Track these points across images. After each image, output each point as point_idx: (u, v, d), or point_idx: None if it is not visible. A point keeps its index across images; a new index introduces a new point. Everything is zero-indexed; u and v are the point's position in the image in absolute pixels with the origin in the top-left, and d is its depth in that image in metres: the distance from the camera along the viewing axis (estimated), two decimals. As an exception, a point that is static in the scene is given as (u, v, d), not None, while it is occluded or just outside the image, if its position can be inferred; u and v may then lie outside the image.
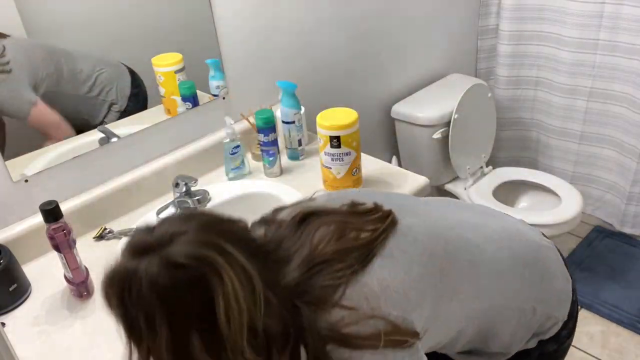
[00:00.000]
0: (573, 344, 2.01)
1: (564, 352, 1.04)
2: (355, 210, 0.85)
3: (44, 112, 1.24)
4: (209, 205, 1.36)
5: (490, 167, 2.28)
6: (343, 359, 0.73)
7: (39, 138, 1.26)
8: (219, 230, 0.72)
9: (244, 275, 0.68)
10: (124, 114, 1.37)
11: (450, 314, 0.85)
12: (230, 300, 0.67)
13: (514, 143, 2.55)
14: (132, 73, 1.37)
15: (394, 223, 0.83)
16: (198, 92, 1.49)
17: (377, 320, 0.73)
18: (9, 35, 1.15)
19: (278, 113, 1.53)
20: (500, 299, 0.91)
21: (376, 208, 0.85)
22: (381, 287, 0.75)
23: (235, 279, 0.67)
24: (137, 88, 1.38)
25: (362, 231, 0.80)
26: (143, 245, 0.70)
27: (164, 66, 1.39)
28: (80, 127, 1.31)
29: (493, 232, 0.95)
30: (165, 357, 0.67)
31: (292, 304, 0.73)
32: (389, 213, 0.84)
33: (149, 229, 0.72)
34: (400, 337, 0.74)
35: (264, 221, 0.86)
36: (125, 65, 1.36)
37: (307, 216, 0.82)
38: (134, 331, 0.69)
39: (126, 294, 0.67)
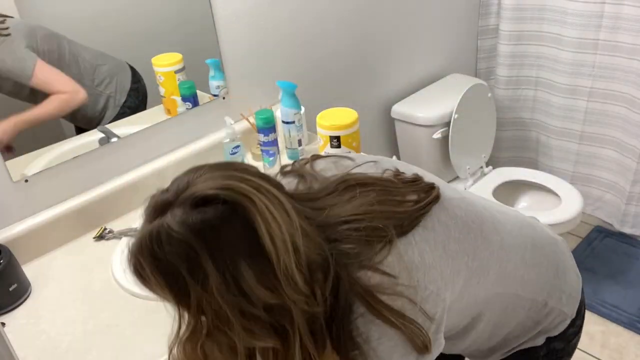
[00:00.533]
0: (573, 344, 2.01)
1: (571, 350, 1.03)
2: (399, 178, 0.81)
3: (47, 69, 1.22)
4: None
5: (490, 167, 2.28)
6: (365, 327, 0.70)
7: (40, 138, 1.26)
8: (236, 167, 0.69)
9: (275, 200, 0.65)
10: (123, 108, 1.36)
11: (472, 297, 0.83)
12: (268, 219, 0.63)
13: (514, 143, 2.55)
14: (133, 69, 1.37)
15: (438, 196, 0.79)
16: (198, 92, 1.49)
17: (412, 295, 0.71)
18: (12, 17, 1.16)
19: (278, 113, 1.53)
20: (519, 287, 0.90)
21: (419, 179, 0.82)
22: (422, 260, 0.73)
23: (267, 202, 0.64)
24: (136, 83, 1.38)
25: (405, 200, 0.77)
26: (161, 203, 0.66)
27: (164, 66, 1.39)
28: (78, 119, 1.30)
29: (516, 219, 0.95)
30: (220, 301, 0.63)
31: (329, 248, 0.70)
32: (433, 185, 0.81)
33: (161, 191, 0.68)
34: (421, 341, 0.72)
35: (296, 171, 0.83)
36: (126, 62, 1.36)
37: (347, 180, 0.78)
38: (179, 288, 0.64)
39: (158, 250, 0.63)
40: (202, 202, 0.63)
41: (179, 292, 0.64)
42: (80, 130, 1.31)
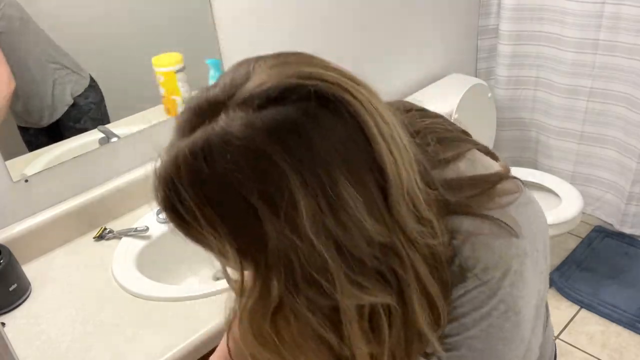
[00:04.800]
0: (573, 343, 2.02)
1: None
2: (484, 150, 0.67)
3: None
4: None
5: (490, 167, 2.27)
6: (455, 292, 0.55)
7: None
8: (306, 55, 0.50)
9: (378, 99, 0.50)
10: (52, 126, 1.29)
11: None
12: (378, 119, 0.46)
13: (514, 143, 2.55)
14: (95, 90, 1.33)
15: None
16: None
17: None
18: None
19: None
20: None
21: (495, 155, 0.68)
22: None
23: (371, 98, 0.48)
24: (85, 104, 1.32)
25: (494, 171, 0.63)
26: (207, 103, 0.45)
27: (164, 66, 1.39)
28: (20, 114, 1.24)
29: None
30: (315, 241, 0.43)
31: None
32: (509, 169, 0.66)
33: (204, 89, 0.47)
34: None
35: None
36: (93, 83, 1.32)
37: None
38: (244, 225, 0.44)
39: (208, 168, 0.42)
40: (275, 97, 0.43)
41: (243, 232, 0.44)
42: (22, 129, 1.25)
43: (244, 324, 0.49)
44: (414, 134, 0.57)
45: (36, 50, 1.24)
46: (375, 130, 0.45)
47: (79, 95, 1.31)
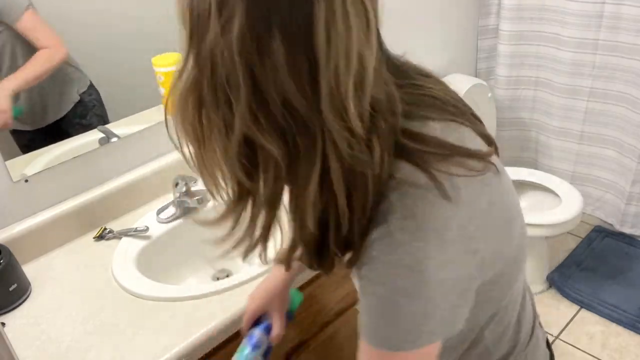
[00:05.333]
0: (573, 343, 2.01)
1: None
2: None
3: (37, 17, 1.17)
4: (210, 205, 1.36)
5: (490, 167, 2.27)
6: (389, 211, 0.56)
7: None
8: None
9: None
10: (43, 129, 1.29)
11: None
12: (337, 12, 0.49)
13: (514, 143, 2.55)
14: (94, 87, 1.33)
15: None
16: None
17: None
18: None
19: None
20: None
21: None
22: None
23: None
24: (89, 101, 1.33)
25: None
26: None
27: (164, 66, 1.39)
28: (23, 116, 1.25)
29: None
30: (236, 58, 0.50)
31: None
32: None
33: None
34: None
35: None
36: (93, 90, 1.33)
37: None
38: (198, 21, 0.54)
39: None
40: None
41: (196, 25, 0.55)
42: (18, 133, 1.24)
43: (173, 100, 0.58)
44: (400, 75, 0.62)
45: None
46: (323, 21, 0.48)
47: (84, 92, 1.32)
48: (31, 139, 1.26)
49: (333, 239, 0.59)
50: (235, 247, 0.59)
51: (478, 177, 0.60)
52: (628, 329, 2.00)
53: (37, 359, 1.00)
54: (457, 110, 0.66)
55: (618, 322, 2.03)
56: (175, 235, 1.31)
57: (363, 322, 0.62)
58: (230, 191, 0.57)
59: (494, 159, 0.64)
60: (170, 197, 1.38)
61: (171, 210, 1.33)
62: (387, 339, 0.60)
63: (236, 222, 0.58)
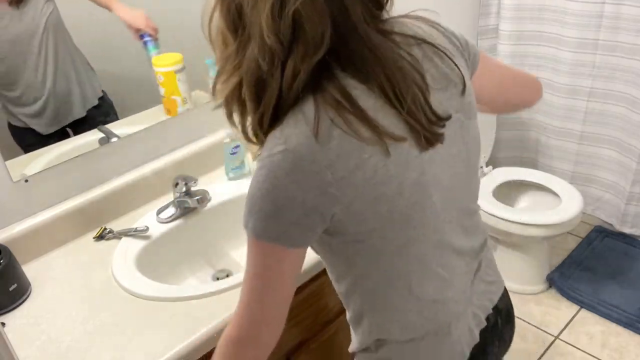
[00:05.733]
0: (573, 343, 2.01)
1: None
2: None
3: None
4: (209, 206, 1.36)
5: (490, 167, 2.28)
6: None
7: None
8: None
9: None
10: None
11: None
12: None
13: (514, 143, 2.55)
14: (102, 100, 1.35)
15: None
16: (197, 92, 1.49)
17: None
18: None
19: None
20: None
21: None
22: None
23: None
24: (107, 99, 1.35)
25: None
26: None
27: (164, 66, 1.39)
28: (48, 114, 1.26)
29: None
30: None
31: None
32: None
33: None
34: None
35: None
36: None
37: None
38: None
39: None
40: None
41: None
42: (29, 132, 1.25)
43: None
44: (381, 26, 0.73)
45: (72, 48, 1.27)
46: None
47: (102, 91, 1.34)
48: (42, 138, 1.26)
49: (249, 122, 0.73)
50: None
51: (358, 142, 0.69)
52: (628, 329, 2.00)
53: (37, 359, 1.00)
54: (410, 84, 0.72)
55: (618, 322, 2.02)
56: (175, 235, 1.31)
57: None
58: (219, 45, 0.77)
59: (398, 145, 0.71)
60: (170, 197, 1.38)
61: (171, 210, 1.33)
62: (251, 228, 0.72)
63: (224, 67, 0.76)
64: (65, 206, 1.28)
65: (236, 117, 0.74)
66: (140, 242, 1.26)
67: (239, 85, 0.71)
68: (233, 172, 1.47)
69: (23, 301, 1.14)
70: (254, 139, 0.74)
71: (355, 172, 0.69)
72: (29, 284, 1.17)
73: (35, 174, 1.25)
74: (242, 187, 1.41)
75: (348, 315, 0.89)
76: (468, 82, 0.81)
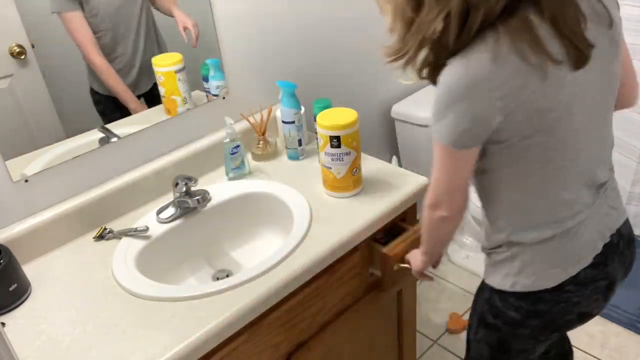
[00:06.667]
0: (573, 343, 2.01)
1: (506, 329, 1.09)
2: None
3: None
4: (209, 206, 1.36)
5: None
6: None
7: (39, 138, 1.26)
8: None
9: None
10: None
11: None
12: None
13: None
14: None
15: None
16: (197, 91, 1.49)
17: None
18: None
19: (278, 113, 1.53)
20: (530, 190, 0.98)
21: None
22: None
23: None
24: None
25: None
26: None
27: (164, 66, 1.39)
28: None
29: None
30: None
31: None
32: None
33: None
34: None
35: None
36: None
37: None
38: None
39: None
40: None
41: None
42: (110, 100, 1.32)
43: None
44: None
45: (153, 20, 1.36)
46: None
47: None
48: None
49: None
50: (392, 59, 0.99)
51: (525, 66, 0.83)
52: (628, 329, 2.00)
53: (37, 359, 1.00)
54: (578, 23, 0.88)
55: (618, 322, 2.02)
56: (175, 235, 1.31)
57: None
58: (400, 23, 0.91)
59: (555, 68, 0.86)
60: (170, 197, 1.38)
61: (171, 210, 1.33)
62: (435, 132, 0.97)
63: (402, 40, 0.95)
64: (65, 206, 1.28)
65: (421, 55, 0.92)
66: (140, 242, 1.26)
67: (447, 17, 0.83)
68: (233, 172, 1.47)
69: (23, 301, 1.14)
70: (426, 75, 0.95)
71: (521, 89, 0.84)
72: (29, 284, 1.17)
73: (35, 174, 1.25)
74: (242, 187, 1.41)
75: (483, 213, 1.08)
76: (616, 20, 1.04)
